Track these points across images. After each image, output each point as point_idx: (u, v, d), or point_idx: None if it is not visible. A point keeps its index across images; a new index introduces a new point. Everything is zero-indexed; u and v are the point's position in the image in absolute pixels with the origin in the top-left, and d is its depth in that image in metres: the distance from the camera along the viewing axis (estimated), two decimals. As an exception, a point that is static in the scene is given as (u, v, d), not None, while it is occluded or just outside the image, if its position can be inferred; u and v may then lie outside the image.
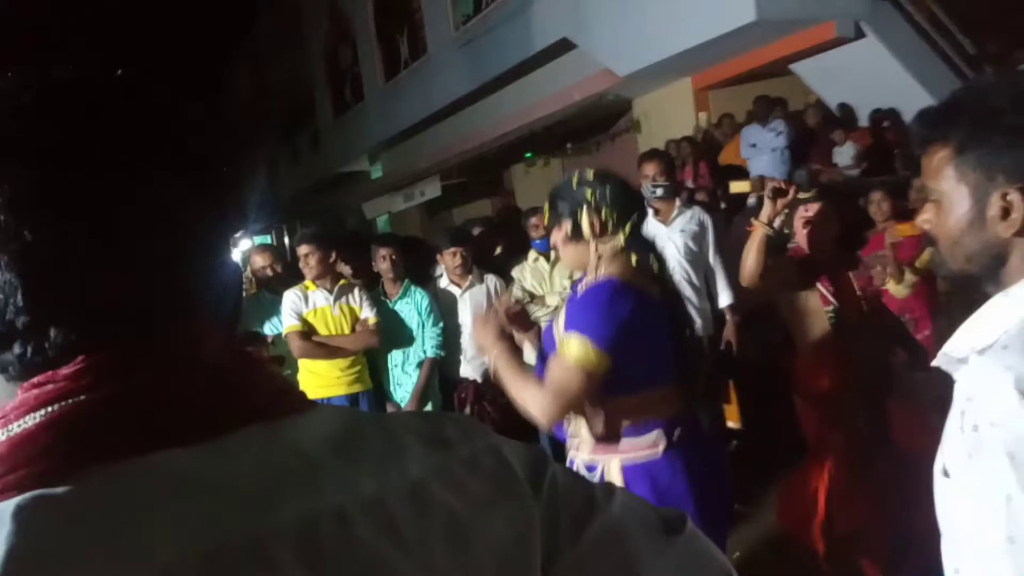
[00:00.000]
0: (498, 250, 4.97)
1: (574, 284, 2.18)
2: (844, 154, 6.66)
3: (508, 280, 4.28)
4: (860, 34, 6.85)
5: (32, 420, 0.50)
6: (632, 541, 0.65)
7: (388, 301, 4.04)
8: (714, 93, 8.64)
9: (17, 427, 0.50)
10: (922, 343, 3.51)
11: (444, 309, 4.13)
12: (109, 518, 0.47)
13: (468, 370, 4.20)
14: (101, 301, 0.52)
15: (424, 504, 0.56)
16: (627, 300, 1.92)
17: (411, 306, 4.04)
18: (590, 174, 2.10)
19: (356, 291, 3.90)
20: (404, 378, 4.04)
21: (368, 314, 3.82)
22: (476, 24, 10.36)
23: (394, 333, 3.98)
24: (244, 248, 8.11)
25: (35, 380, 0.51)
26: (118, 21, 18.07)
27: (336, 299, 3.82)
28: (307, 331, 3.76)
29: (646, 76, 8.11)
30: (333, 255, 3.87)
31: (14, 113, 0.53)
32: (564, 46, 8.77)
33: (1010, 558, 0.87)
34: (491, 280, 4.31)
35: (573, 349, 1.86)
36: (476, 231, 5.11)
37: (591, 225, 2.02)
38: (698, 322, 4.00)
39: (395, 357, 4.03)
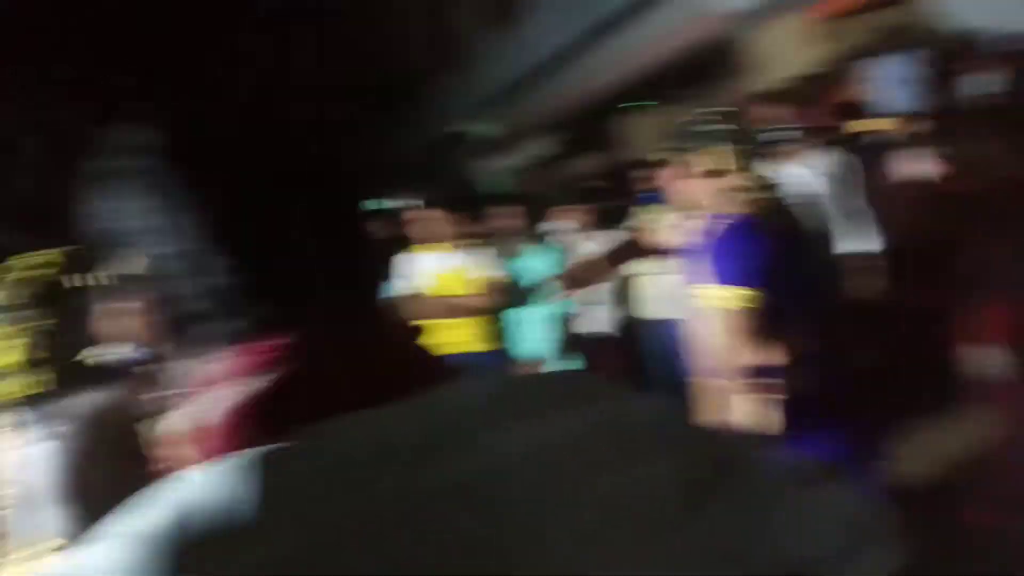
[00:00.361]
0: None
1: (697, 221, 2.17)
2: (983, 84, 6.16)
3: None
4: (1000, -49, 6.26)
5: (261, 382, 0.58)
6: (777, 484, 0.66)
7: (510, 259, 4.11)
8: (832, 26, 8.14)
9: (247, 388, 0.58)
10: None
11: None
12: (319, 475, 0.54)
13: (593, 325, 4.24)
14: (307, 284, 0.60)
15: (574, 457, 0.60)
16: (766, 235, 1.92)
17: (537, 264, 4.10)
18: (718, 112, 2.08)
19: (482, 251, 3.97)
20: (531, 334, 4.11)
21: (494, 274, 3.89)
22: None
23: (519, 292, 4.05)
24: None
25: (254, 347, 0.60)
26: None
27: (460, 259, 3.90)
28: (432, 293, 3.88)
29: (756, 13, 7.73)
30: (459, 217, 3.95)
31: (228, 121, 0.61)
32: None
33: None
34: (616, 235, 4.31)
35: (724, 298, 1.88)
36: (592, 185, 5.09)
37: (720, 162, 2.00)
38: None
39: (520, 314, 4.10)
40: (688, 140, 2.07)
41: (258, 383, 0.58)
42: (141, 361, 2.51)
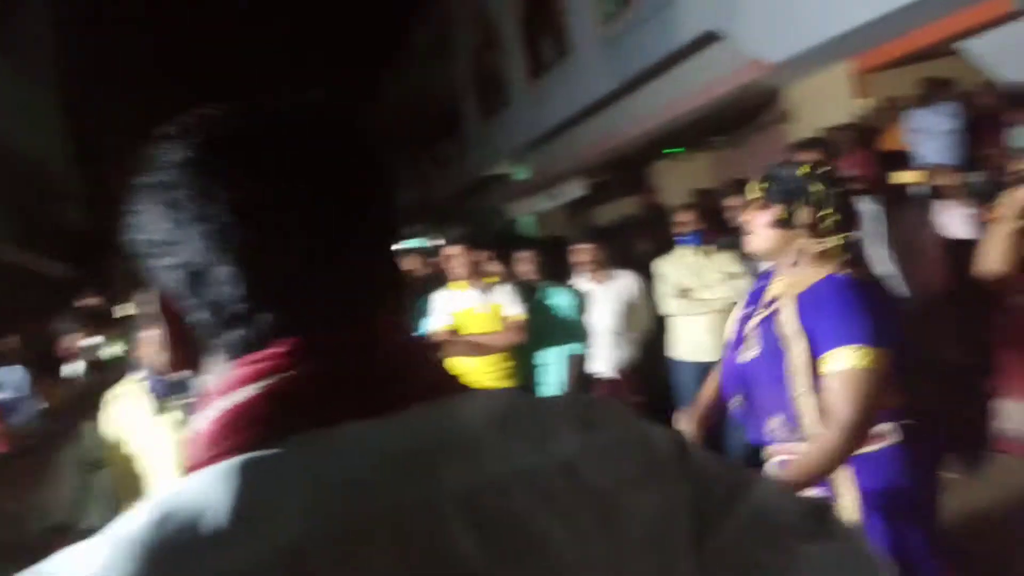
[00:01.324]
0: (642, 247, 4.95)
1: (762, 274, 2.15)
2: (1020, 137, 6.10)
3: (649, 277, 4.27)
4: (1039, 5, 6.24)
5: (253, 390, 0.58)
6: (783, 522, 0.66)
7: (532, 301, 4.14)
8: (872, 77, 8.13)
9: (240, 395, 0.58)
10: None
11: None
12: (308, 481, 0.53)
13: (601, 366, 4.24)
14: (307, 293, 0.61)
15: (575, 480, 0.59)
16: (872, 294, 1.90)
17: (554, 306, 4.12)
18: (818, 167, 2.05)
19: (504, 289, 4.01)
20: (551, 376, 4.12)
21: (515, 311, 3.92)
22: (620, 21, 10.31)
23: (539, 332, 4.07)
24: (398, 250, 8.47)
25: (252, 357, 0.60)
26: (286, 48, 19.40)
27: (484, 298, 3.95)
28: (455, 330, 3.91)
29: (798, 63, 7.77)
30: (481, 255, 4.00)
31: (261, 131, 0.63)
32: (710, 38, 8.55)
33: None
34: (627, 276, 4.33)
35: (856, 359, 1.83)
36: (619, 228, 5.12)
37: (807, 218, 1.98)
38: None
39: (541, 356, 4.12)
40: (774, 185, 2.02)
41: (258, 389, 0.58)
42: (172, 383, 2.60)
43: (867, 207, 3.93)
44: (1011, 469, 4.10)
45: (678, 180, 11.45)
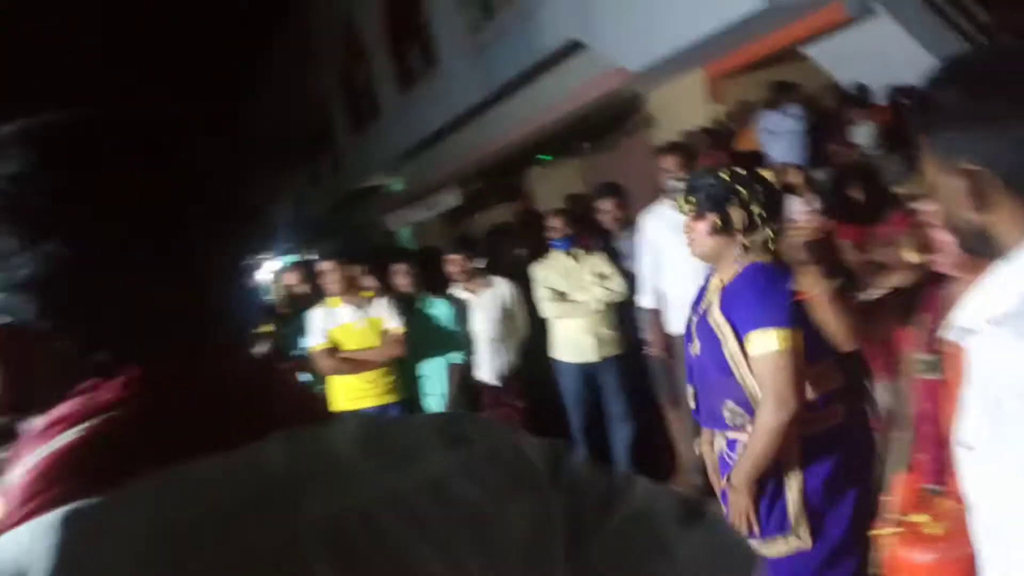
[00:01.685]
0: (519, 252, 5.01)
1: (707, 276, 2.25)
2: (861, 133, 6.60)
3: (526, 282, 4.33)
4: (869, 12, 6.78)
5: (73, 435, 0.53)
6: (659, 523, 0.66)
7: (410, 314, 4.11)
8: (727, 82, 8.59)
9: (59, 442, 0.53)
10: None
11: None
12: (141, 531, 0.50)
13: (484, 374, 4.27)
14: (140, 317, 0.56)
15: (446, 498, 0.58)
16: (787, 278, 2.00)
17: (432, 317, 4.11)
18: (736, 170, 2.16)
19: (381, 303, 3.95)
20: (433, 388, 4.10)
21: (393, 324, 3.87)
22: (485, 31, 10.43)
23: (418, 345, 4.05)
24: (275, 269, 8.25)
25: (78, 389, 0.55)
26: (136, 54, 18.43)
27: (361, 313, 3.87)
28: (333, 348, 3.82)
29: (658, 70, 8.09)
30: (355, 270, 3.93)
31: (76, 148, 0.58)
32: (574, 47, 8.78)
33: None
34: (501, 283, 4.38)
35: (771, 342, 1.95)
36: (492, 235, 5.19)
37: (741, 220, 2.08)
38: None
39: (423, 368, 4.10)
40: (700, 195, 2.13)
41: (79, 432, 0.53)
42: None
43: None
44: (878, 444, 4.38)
45: (551, 186, 11.68)
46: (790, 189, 4.69)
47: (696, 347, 2.18)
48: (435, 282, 4.33)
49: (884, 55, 6.75)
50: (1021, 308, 0.91)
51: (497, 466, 0.62)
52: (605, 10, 8.00)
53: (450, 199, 12.89)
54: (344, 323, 3.84)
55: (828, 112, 7.29)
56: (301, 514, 0.53)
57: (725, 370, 2.08)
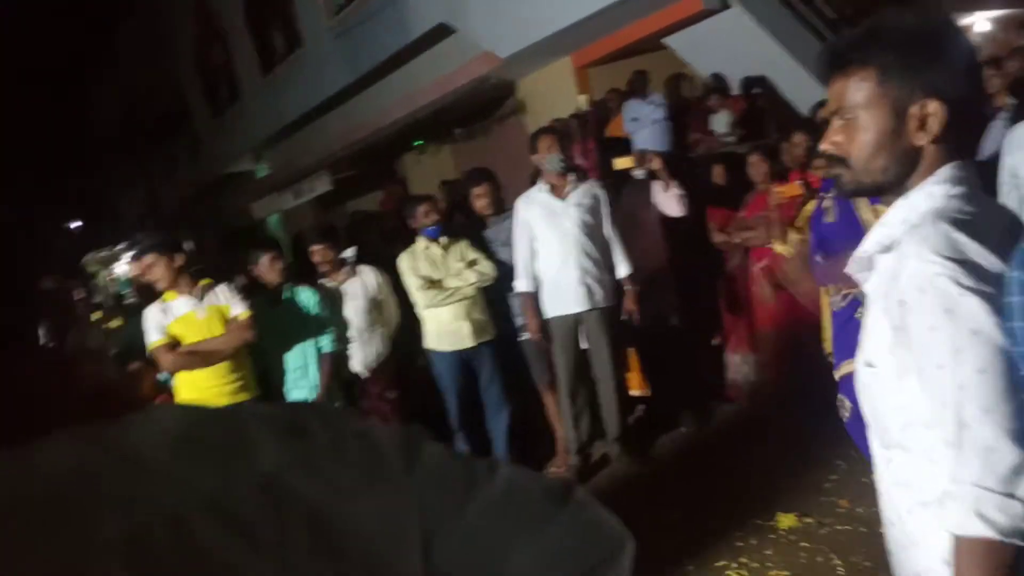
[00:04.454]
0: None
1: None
2: (720, 121, 6.90)
3: (393, 270, 4.24)
4: (726, 5, 7.09)
5: None
6: (520, 511, 0.63)
7: (276, 304, 3.94)
8: (594, 71, 8.76)
9: None
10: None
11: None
12: None
13: (356, 365, 4.18)
14: None
15: (278, 497, 0.52)
16: None
17: (300, 306, 3.96)
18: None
19: (221, 288, 3.70)
20: (303, 380, 3.95)
21: (239, 309, 3.65)
22: (351, 13, 10.14)
23: (285, 335, 3.89)
24: (129, 262, 7.73)
25: None
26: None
27: (200, 302, 3.63)
28: (174, 343, 3.57)
29: (526, 57, 8.15)
30: (181, 258, 3.62)
31: None
32: (443, 31, 8.70)
33: (984, 387, 0.94)
34: (367, 271, 4.29)
35: None
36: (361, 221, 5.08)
37: None
38: (599, 293, 4.10)
39: (293, 359, 3.94)
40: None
41: None
42: None
43: (596, 190, 4.20)
44: (736, 415, 4.62)
45: (425, 172, 11.57)
46: (653, 175, 4.83)
47: None
48: (305, 271, 4.17)
49: (739, 46, 7.08)
50: (917, 220, 1.06)
51: (340, 459, 0.56)
52: (473, -5, 7.96)
53: (320, 185, 12.51)
54: (182, 315, 3.59)
55: (689, 101, 7.57)
56: (95, 529, 0.46)
57: None
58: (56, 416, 0.51)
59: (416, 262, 4.19)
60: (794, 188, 4.17)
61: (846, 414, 2.55)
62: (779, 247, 4.27)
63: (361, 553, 0.54)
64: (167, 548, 0.47)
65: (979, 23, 7.91)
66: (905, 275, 1.01)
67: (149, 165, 18.56)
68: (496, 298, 4.32)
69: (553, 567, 0.62)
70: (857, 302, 2.70)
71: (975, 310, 0.95)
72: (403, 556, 0.56)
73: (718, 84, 7.41)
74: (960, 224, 1.01)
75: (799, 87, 6.79)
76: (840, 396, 2.63)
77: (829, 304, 3.07)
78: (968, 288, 0.95)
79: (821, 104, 4.91)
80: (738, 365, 4.74)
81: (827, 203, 2.88)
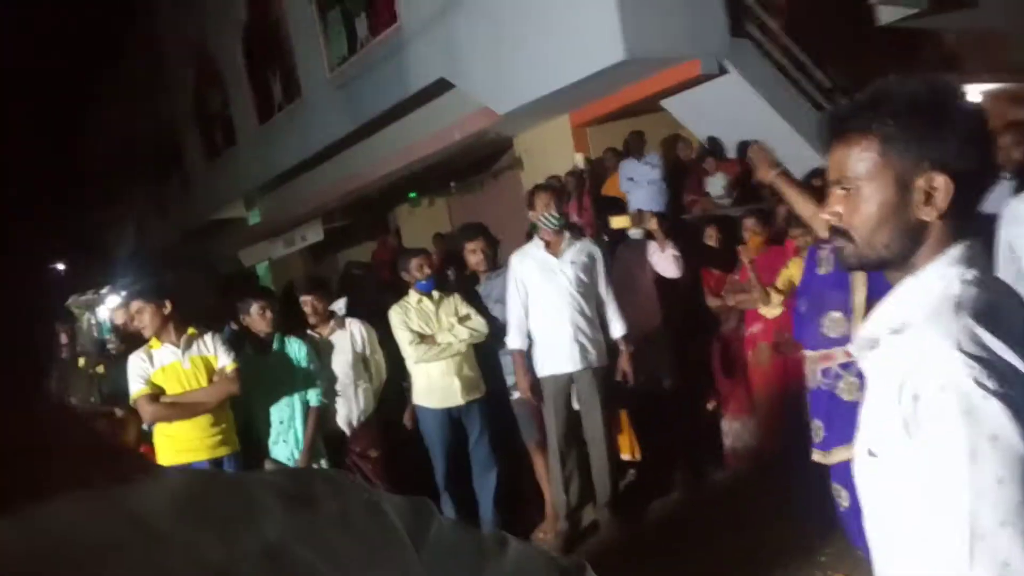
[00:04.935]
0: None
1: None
2: (715, 184, 6.94)
3: (384, 323, 4.16)
4: (723, 71, 7.20)
5: None
6: None
7: (264, 354, 3.85)
8: (592, 130, 8.86)
9: None
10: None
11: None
12: None
13: (339, 420, 4.07)
14: None
15: (283, 570, 0.49)
16: None
17: (289, 357, 3.87)
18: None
19: (208, 338, 3.62)
20: (288, 434, 3.83)
21: (225, 361, 3.56)
22: (351, 65, 10.26)
23: (271, 387, 3.79)
24: (113, 305, 7.63)
25: None
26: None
27: (185, 351, 3.54)
28: (156, 394, 3.47)
29: (524, 114, 8.23)
30: (169, 306, 3.55)
31: None
32: (442, 86, 8.79)
33: (1002, 497, 0.87)
34: (355, 325, 4.20)
35: None
36: (356, 273, 5.02)
37: None
38: (592, 352, 4.03)
39: (279, 412, 3.82)
40: None
41: None
42: None
43: (591, 248, 4.16)
44: (732, 481, 4.51)
45: (418, 225, 11.58)
46: (650, 235, 4.82)
47: None
48: (294, 322, 4.09)
49: (735, 110, 7.17)
50: (937, 309, 0.99)
51: (349, 531, 0.53)
52: (473, 51, 8.07)
53: (311, 234, 12.48)
54: (167, 364, 3.49)
55: (685, 163, 7.63)
56: None
57: None
58: (48, 473, 0.46)
59: (408, 315, 4.12)
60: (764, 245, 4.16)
61: (844, 504, 2.46)
62: (763, 309, 4.24)
63: None
64: None
65: (971, 96, 8.05)
66: (925, 369, 0.94)
67: (139, 206, 18.54)
68: (487, 355, 4.24)
69: None
70: (838, 375, 2.64)
71: (997, 414, 0.88)
72: None
73: (714, 147, 7.48)
74: (982, 318, 0.95)
75: (793, 153, 6.84)
76: (836, 485, 2.54)
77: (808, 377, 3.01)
78: (991, 391, 0.89)
79: (816, 172, 4.94)
80: (737, 431, 4.65)
81: (823, 254, 2.85)
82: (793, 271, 4.01)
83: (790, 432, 4.16)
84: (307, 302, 4.05)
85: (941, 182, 1.00)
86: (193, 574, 0.46)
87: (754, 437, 4.54)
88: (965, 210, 1.03)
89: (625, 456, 4.51)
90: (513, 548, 0.63)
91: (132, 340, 4.03)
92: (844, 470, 2.51)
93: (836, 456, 2.60)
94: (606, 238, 5.03)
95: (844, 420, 2.55)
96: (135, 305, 3.51)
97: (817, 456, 2.87)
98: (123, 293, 4.21)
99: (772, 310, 4.26)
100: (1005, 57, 10.00)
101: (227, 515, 0.50)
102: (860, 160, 1.05)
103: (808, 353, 3.08)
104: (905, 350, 1.00)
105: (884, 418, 1.01)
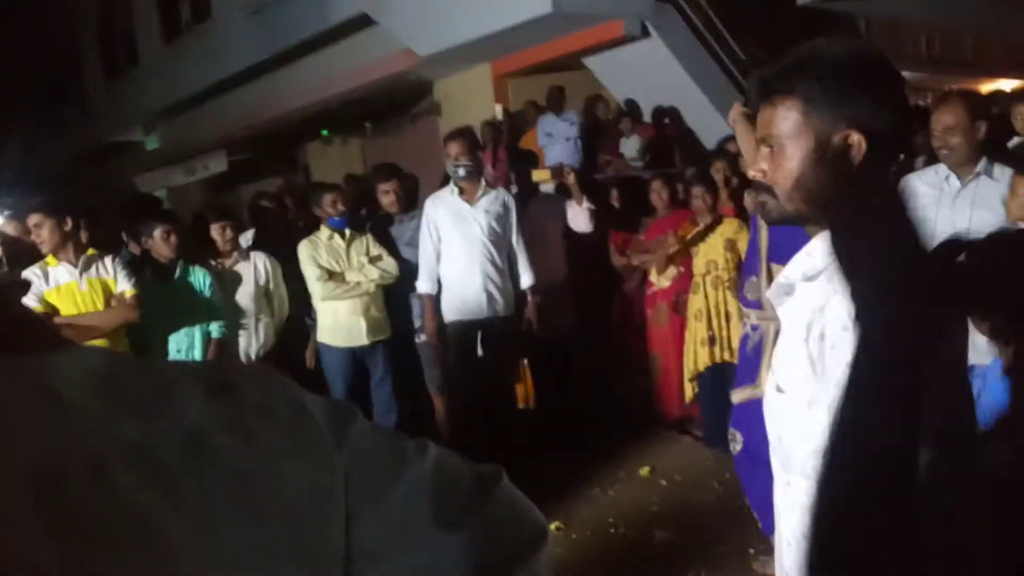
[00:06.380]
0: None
1: None
2: (630, 146, 7.06)
3: (293, 257, 4.09)
4: (646, 33, 7.28)
5: None
6: (444, 496, 0.62)
7: (165, 281, 3.73)
8: (512, 81, 8.81)
9: None
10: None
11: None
12: None
13: (245, 346, 4.01)
14: None
15: (203, 453, 0.49)
16: None
17: (192, 286, 3.76)
18: None
19: (108, 261, 3.46)
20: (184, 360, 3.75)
21: (125, 286, 3.43)
22: (268, -10, 9.82)
23: (174, 316, 3.68)
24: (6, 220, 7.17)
25: None
26: None
27: (83, 272, 3.39)
28: (49, 313, 3.32)
29: (446, 58, 8.11)
30: (70, 223, 3.38)
31: None
32: (363, 21, 8.54)
33: None
34: (259, 258, 4.13)
35: None
36: (265, 205, 4.90)
37: None
38: (500, 301, 4.08)
39: (177, 341, 3.73)
40: None
41: None
42: None
43: (506, 199, 4.19)
44: (624, 436, 4.67)
45: (329, 163, 11.30)
46: (563, 190, 4.89)
47: None
48: (198, 251, 3.96)
49: (654, 75, 7.28)
50: (832, 262, 1.06)
51: (271, 422, 0.53)
52: (398, -11, 7.86)
53: (214, 165, 12.00)
54: (62, 284, 3.34)
55: (603, 123, 7.72)
56: (5, 465, 0.42)
57: None
58: None
59: (317, 251, 4.07)
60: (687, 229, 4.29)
61: (737, 447, 2.62)
62: (655, 277, 4.41)
63: (284, 520, 0.51)
64: (84, 491, 0.43)
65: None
66: (830, 311, 1.03)
67: (35, 125, 17.34)
68: (396, 297, 4.24)
69: (475, 555, 0.61)
70: (748, 334, 2.79)
71: None
72: (326, 533, 0.54)
73: (631, 109, 7.59)
74: None
75: (705, 120, 7.04)
76: (732, 429, 2.69)
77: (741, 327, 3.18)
78: None
79: (725, 139, 5.10)
80: (633, 387, 4.83)
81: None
82: (686, 233, 4.20)
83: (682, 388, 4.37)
84: (218, 229, 3.93)
85: (856, 139, 1.07)
86: (107, 449, 0.45)
87: (648, 393, 4.73)
88: (878, 169, 1.10)
89: (520, 405, 4.63)
90: (432, 453, 0.64)
91: (19, 257, 3.82)
92: (741, 414, 2.67)
93: (737, 397, 2.75)
94: (515, 190, 5.06)
95: (746, 367, 2.72)
96: (34, 218, 3.31)
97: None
98: (6, 212, 3.96)
99: (663, 281, 4.43)
100: (915, 49, 10.50)
101: (146, 395, 0.50)
102: (784, 120, 1.12)
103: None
104: (815, 294, 1.08)
105: (793, 357, 1.09)
